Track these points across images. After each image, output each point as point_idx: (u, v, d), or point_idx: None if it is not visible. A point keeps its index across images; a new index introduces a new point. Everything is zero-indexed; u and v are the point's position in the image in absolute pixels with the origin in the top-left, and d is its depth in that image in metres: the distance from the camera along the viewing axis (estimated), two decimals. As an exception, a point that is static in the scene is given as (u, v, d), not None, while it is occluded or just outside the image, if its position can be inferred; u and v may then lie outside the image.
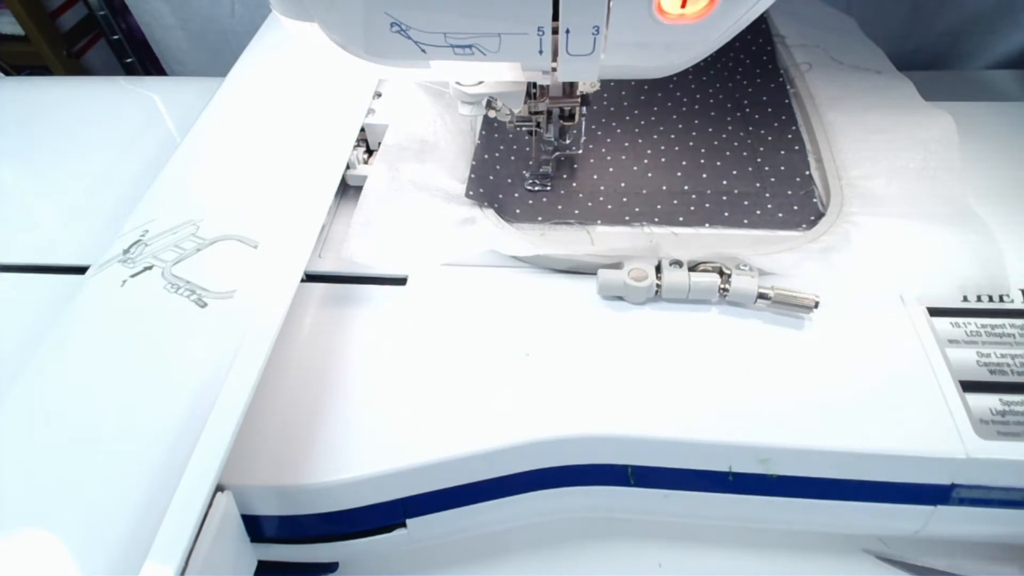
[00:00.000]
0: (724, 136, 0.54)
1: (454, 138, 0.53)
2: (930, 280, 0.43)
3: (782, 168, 0.51)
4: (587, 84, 0.44)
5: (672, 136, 0.55)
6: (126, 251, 0.43)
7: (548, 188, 0.51)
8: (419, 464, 0.36)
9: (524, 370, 0.40)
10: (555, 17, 0.31)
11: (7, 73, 1.05)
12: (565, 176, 0.52)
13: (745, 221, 0.48)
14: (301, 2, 0.34)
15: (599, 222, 0.48)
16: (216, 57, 0.99)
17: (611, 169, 0.53)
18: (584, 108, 0.45)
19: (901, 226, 0.45)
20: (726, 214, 0.48)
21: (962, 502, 0.37)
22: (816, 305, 0.41)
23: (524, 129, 0.47)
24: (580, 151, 0.52)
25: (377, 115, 0.55)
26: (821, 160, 0.51)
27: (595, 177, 0.52)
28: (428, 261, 0.46)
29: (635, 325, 0.42)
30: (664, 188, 0.51)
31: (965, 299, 0.42)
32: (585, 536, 0.46)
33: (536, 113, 0.46)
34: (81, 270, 0.44)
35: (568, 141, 0.50)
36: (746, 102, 0.57)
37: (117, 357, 0.37)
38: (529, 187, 0.51)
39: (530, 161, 0.51)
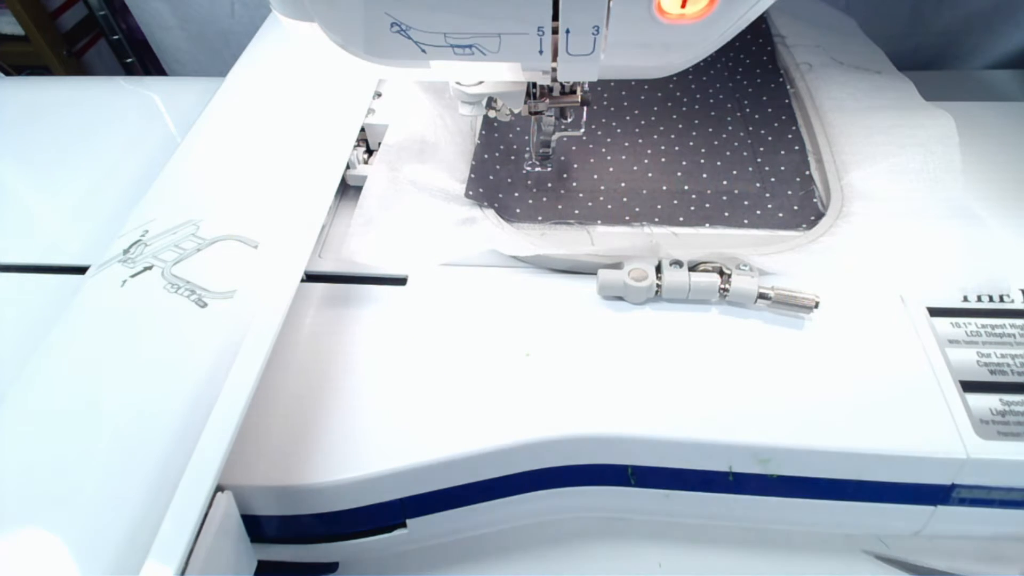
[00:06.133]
0: (724, 136, 0.54)
1: (454, 138, 0.53)
2: (930, 280, 0.43)
3: (782, 168, 0.51)
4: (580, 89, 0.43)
5: (672, 136, 0.55)
6: (126, 251, 0.43)
7: (549, 169, 0.50)
8: (419, 464, 0.36)
9: (524, 370, 0.40)
10: (555, 17, 0.31)
11: (7, 73, 1.05)
12: (565, 176, 0.52)
13: (745, 221, 0.48)
14: (301, 2, 0.34)
15: (599, 222, 0.48)
16: (216, 57, 0.99)
17: (611, 169, 0.53)
18: (587, 86, 0.45)
19: (901, 226, 0.45)
20: (726, 214, 0.48)
21: (962, 502, 0.37)
22: (816, 305, 0.41)
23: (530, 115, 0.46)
24: (583, 131, 0.51)
25: (377, 115, 0.55)
26: (821, 160, 0.51)
27: (595, 177, 0.52)
28: (428, 261, 0.46)
29: (635, 325, 0.42)
30: (664, 188, 0.51)
31: (965, 299, 0.42)
32: (585, 536, 0.46)
33: (536, 113, 0.45)
34: (81, 270, 0.44)
35: (570, 120, 0.49)
36: (746, 102, 0.57)
37: (117, 357, 0.37)
38: (529, 167, 0.50)
39: (528, 148, 0.50)
